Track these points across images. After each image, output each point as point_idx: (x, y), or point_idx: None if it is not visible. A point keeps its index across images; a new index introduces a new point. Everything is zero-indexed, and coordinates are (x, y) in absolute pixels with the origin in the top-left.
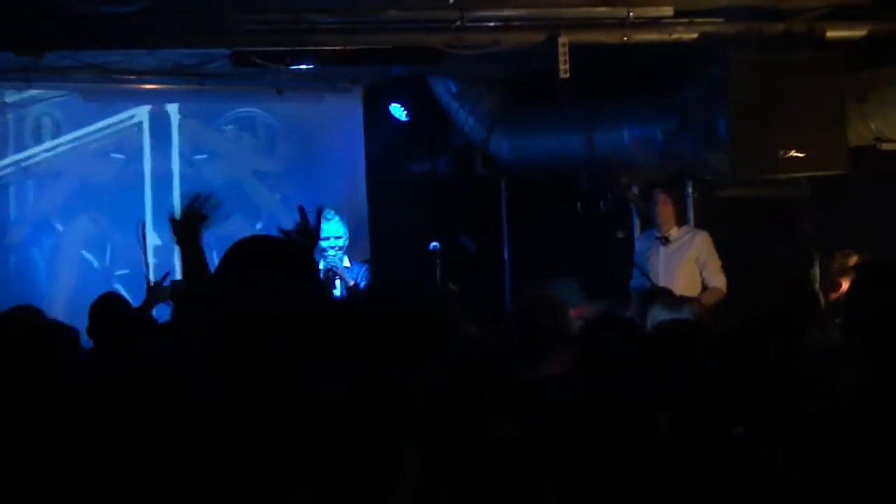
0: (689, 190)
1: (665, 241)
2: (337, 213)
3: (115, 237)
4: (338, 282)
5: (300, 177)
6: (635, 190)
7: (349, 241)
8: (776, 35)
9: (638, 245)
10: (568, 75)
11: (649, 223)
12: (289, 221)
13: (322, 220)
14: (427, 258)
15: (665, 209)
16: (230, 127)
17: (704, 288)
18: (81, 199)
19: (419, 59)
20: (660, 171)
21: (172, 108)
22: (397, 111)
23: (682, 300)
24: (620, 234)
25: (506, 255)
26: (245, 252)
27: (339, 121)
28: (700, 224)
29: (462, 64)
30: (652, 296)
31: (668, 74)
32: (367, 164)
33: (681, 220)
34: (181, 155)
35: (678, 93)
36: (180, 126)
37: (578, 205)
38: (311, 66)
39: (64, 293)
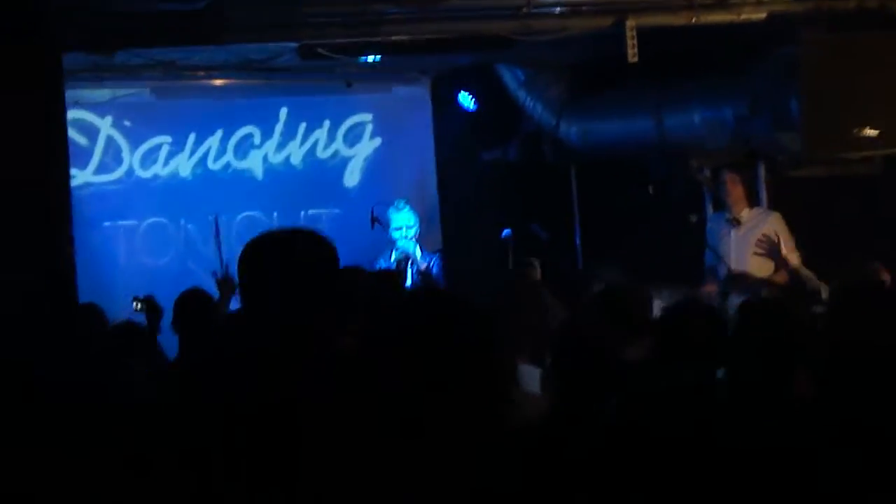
0: (761, 171)
1: (736, 223)
2: (407, 203)
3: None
4: (409, 270)
5: (371, 167)
6: (706, 172)
7: (420, 232)
8: (847, 12)
9: (709, 227)
10: (636, 59)
11: (721, 206)
12: (363, 211)
13: (393, 211)
14: (499, 246)
15: (735, 190)
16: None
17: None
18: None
19: (486, 47)
20: (731, 153)
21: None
22: (465, 100)
23: (760, 284)
24: (693, 218)
25: (578, 242)
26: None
27: (408, 111)
28: (773, 206)
29: (530, 51)
30: (730, 283)
31: (738, 55)
32: (437, 153)
33: (752, 202)
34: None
35: (748, 73)
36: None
37: (649, 189)
38: (378, 57)
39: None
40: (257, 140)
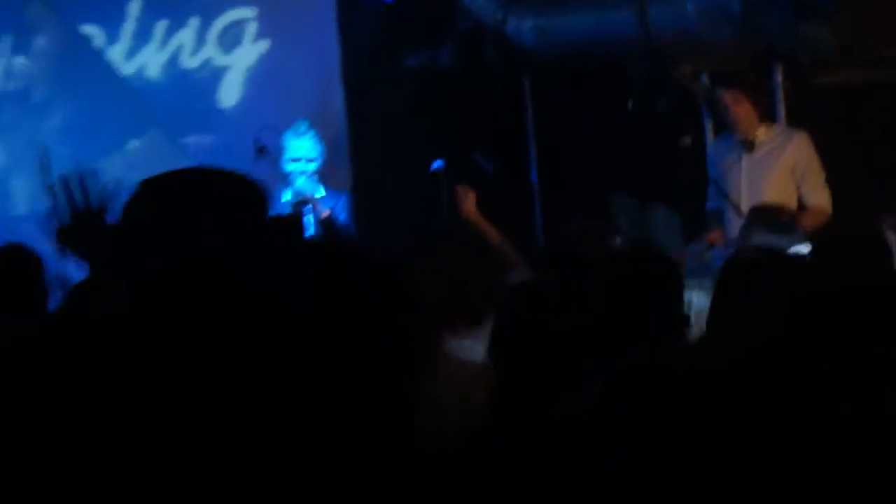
0: (778, 76)
1: (749, 146)
2: (310, 126)
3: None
4: (309, 216)
5: (255, 81)
6: (705, 79)
7: (323, 164)
8: None
9: (712, 153)
10: None
11: (726, 124)
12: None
13: (291, 136)
14: (428, 183)
15: (741, 110)
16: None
17: (801, 207)
18: None
19: None
20: (737, 52)
21: None
22: None
23: (793, 219)
24: (687, 141)
25: (534, 177)
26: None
27: (306, 3)
28: (793, 121)
29: None
30: (755, 215)
31: None
32: (345, 59)
33: (766, 117)
34: None
35: None
36: None
37: (629, 104)
38: None
39: None
40: (99, 43)
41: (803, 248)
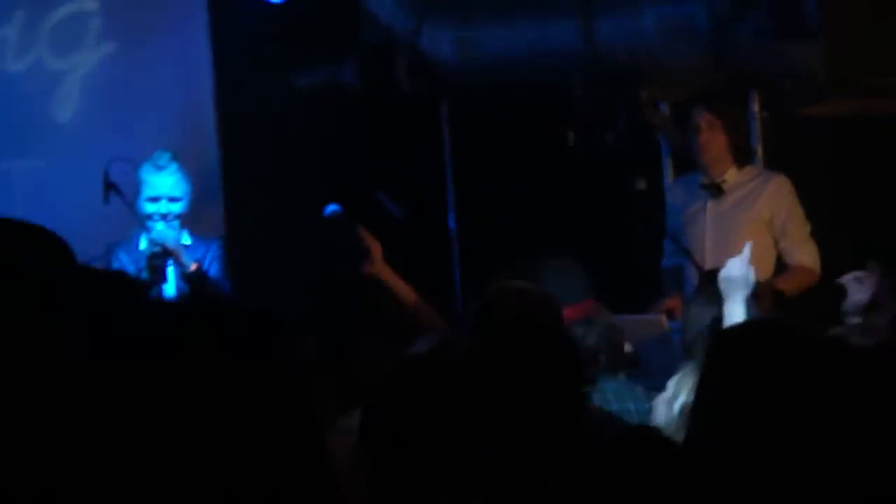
0: (753, 106)
1: (717, 190)
2: (174, 158)
3: None
4: (170, 269)
5: (99, 91)
6: (664, 109)
7: (190, 205)
8: None
9: (672, 198)
10: None
11: (689, 163)
12: (87, 165)
13: (149, 170)
14: (322, 229)
15: (714, 139)
16: None
17: (780, 267)
18: None
19: None
20: (704, 76)
21: None
22: None
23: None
24: (641, 184)
25: (452, 223)
26: None
27: (167, 5)
28: (772, 161)
29: None
30: (706, 290)
31: None
32: (218, 71)
33: (742, 157)
34: None
35: None
36: None
37: (570, 136)
38: None
39: None
40: None
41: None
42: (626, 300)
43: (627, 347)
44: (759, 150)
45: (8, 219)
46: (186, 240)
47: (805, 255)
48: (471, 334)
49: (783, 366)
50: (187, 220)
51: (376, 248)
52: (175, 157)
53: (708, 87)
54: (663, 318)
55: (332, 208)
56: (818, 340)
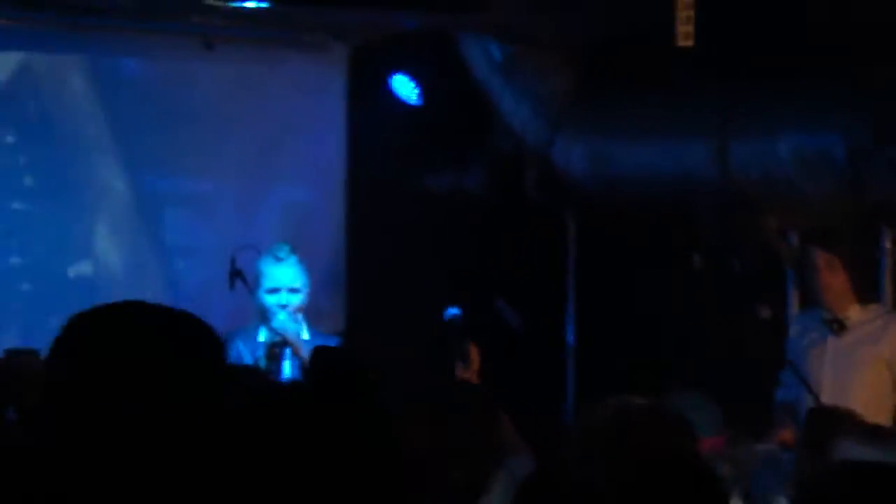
0: (886, 242)
1: (839, 326)
2: (294, 251)
3: None
4: (287, 361)
5: (236, 187)
6: (793, 239)
7: (310, 298)
8: None
9: (794, 331)
10: (691, 41)
11: (812, 296)
12: (221, 259)
13: (269, 262)
14: (439, 334)
15: (833, 279)
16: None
17: None
18: None
19: (444, 3)
20: (838, 209)
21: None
22: (404, 88)
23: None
24: (766, 313)
25: (570, 337)
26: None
27: (305, 97)
28: None
29: (513, 15)
30: (821, 427)
31: (858, 49)
32: (350, 172)
33: (866, 295)
34: None
35: (873, 80)
36: None
37: (695, 259)
38: (262, 4)
39: None
40: None
41: None
42: (743, 424)
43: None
44: (889, 286)
45: (174, 310)
46: (306, 334)
47: None
48: (585, 454)
49: None
50: (308, 315)
51: (475, 358)
52: (294, 250)
53: (840, 219)
54: (778, 451)
55: (452, 312)
56: None
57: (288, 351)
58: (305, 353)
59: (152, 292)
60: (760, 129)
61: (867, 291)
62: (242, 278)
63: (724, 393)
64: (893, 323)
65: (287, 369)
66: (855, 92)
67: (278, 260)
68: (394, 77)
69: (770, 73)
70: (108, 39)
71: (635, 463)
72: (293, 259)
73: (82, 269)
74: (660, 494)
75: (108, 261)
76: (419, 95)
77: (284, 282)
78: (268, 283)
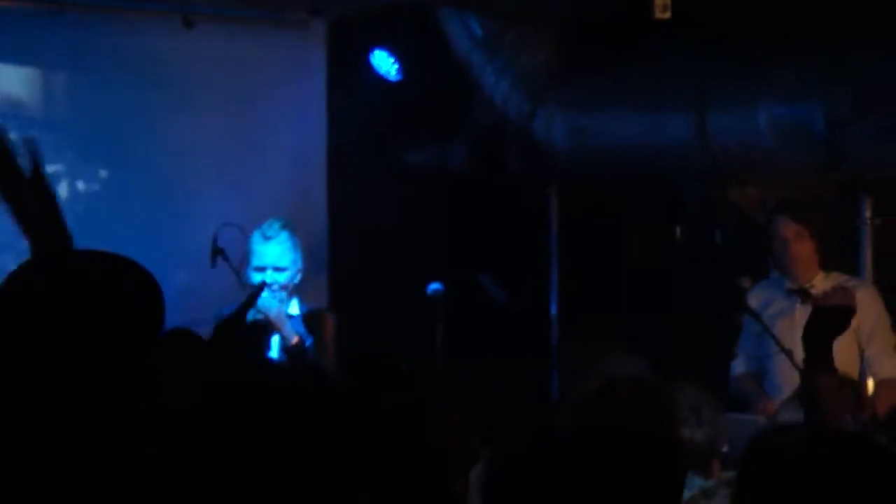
0: (865, 212)
1: (804, 295)
2: (285, 227)
3: None
4: (274, 338)
5: (218, 165)
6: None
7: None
8: None
9: (754, 302)
10: (668, 13)
11: (778, 263)
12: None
13: (258, 239)
14: (423, 307)
15: (802, 247)
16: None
17: (862, 378)
18: None
19: None
20: (817, 180)
21: None
22: (384, 63)
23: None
24: (746, 284)
25: (553, 309)
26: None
27: (287, 75)
28: (881, 268)
29: None
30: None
31: (838, 19)
32: (331, 148)
33: (828, 263)
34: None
35: (854, 49)
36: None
37: (677, 231)
38: None
39: None
40: None
41: None
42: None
43: (725, 448)
44: (868, 256)
45: (107, 254)
46: (295, 309)
47: (890, 366)
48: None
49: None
50: (295, 292)
51: None
52: (286, 227)
53: (819, 189)
54: (762, 420)
55: (434, 287)
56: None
57: (274, 332)
58: (289, 331)
59: None
60: (739, 100)
61: (847, 261)
62: (224, 256)
63: (707, 368)
64: (860, 290)
65: (272, 348)
66: (834, 63)
67: (266, 238)
68: (373, 53)
69: (748, 44)
70: (88, 17)
71: (617, 434)
72: (283, 236)
73: None
74: (639, 465)
75: (83, 241)
76: (399, 71)
77: (270, 260)
78: (255, 261)
